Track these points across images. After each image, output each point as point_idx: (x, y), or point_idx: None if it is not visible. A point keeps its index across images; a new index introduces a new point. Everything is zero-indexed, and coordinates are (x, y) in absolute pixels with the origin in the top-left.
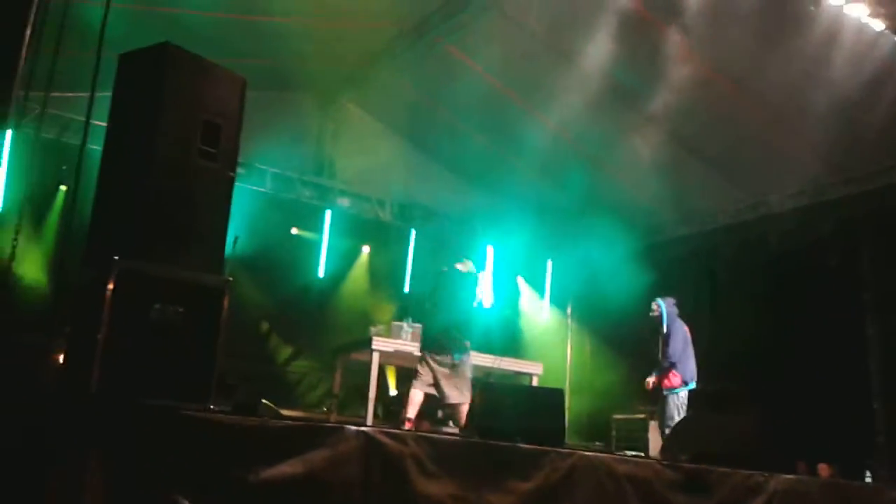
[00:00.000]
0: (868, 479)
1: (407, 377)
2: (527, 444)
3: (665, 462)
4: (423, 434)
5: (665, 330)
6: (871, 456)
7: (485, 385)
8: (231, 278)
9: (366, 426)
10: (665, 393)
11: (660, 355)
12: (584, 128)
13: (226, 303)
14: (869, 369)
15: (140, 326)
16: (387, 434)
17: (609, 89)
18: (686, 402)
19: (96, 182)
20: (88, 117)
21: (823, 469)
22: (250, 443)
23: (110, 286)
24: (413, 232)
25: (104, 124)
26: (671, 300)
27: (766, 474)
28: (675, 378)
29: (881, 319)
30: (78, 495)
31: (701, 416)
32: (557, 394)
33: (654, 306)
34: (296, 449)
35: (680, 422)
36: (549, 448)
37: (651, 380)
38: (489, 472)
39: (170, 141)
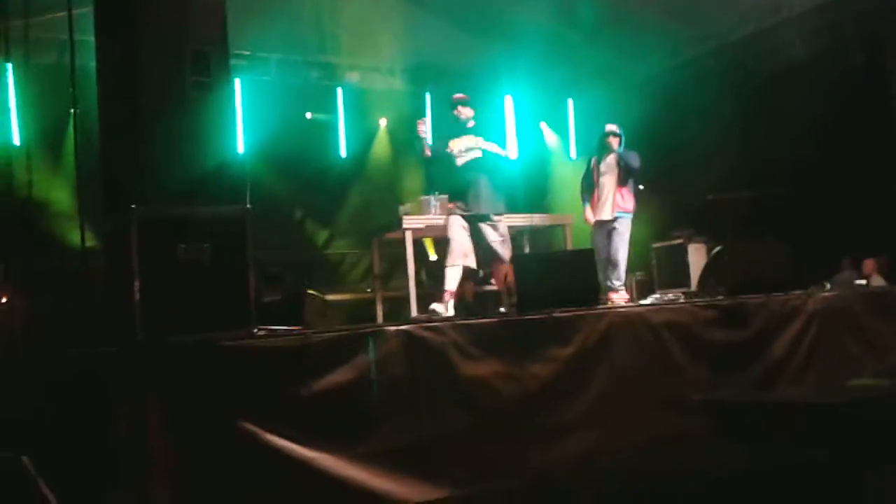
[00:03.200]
0: None
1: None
2: (562, 309)
3: (700, 302)
4: (460, 321)
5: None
6: None
7: (517, 257)
8: (249, 206)
9: (405, 324)
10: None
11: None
12: None
13: (248, 232)
14: None
15: (170, 268)
16: (425, 328)
17: None
18: None
19: (98, 128)
20: (72, 37)
21: (869, 265)
22: (297, 360)
23: (134, 236)
24: (428, 95)
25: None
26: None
27: (804, 295)
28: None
29: None
30: (142, 441)
31: (733, 246)
32: (587, 254)
33: (617, 130)
34: (341, 358)
35: (713, 255)
36: (583, 311)
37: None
38: (529, 345)
39: (159, 75)
